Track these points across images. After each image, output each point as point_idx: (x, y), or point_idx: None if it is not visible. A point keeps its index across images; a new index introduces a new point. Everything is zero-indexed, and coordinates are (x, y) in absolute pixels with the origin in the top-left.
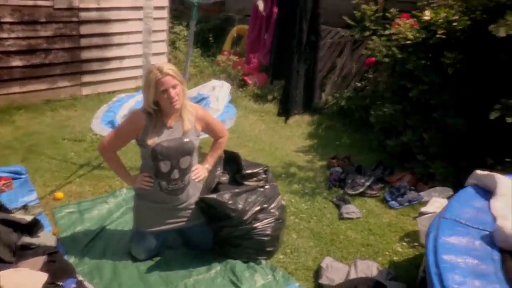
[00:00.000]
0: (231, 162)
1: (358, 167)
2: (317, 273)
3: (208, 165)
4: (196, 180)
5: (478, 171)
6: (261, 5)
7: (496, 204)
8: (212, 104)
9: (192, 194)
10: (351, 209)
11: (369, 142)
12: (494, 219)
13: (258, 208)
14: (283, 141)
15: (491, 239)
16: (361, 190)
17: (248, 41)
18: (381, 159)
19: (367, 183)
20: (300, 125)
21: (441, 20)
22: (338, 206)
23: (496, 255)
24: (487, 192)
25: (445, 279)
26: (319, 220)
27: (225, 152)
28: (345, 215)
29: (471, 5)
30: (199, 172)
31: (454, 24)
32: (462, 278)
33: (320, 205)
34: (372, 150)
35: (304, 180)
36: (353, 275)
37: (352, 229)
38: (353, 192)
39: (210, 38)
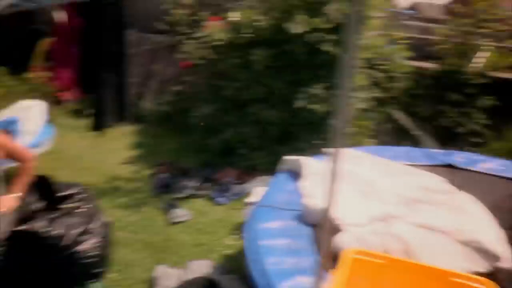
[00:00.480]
0: (44, 187)
1: (185, 170)
2: (152, 284)
3: (15, 194)
4: (1, 212)
5: (286, 157)
6: (60, 16)
7: (303, 184)
8: (25, 127)
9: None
10: (180, 213)
11: (194, 143)
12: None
13: (79, 230)
14: (107, 155)
15: (302, 218)
16: (189, 192)
17: (55, 55)
18: (208, 159)
19: (195, 184)
20: (124, 136)
21: (247, 20)
22: (167, 212)
23: (308, 231)
24: (296, 175)
25: (263, 263)
26: (149, 230)
27: (36, 176)
28: (175, 220)
29: (272, 5)
30: (4, 203)
31: (259, 23)
32: (278, 258)
33: (148, 214)
34: (198, 151)
35: (131, 192)
36: (187, 278)
37: (184, 232)
38: (182, 196)
39: (17, 54)
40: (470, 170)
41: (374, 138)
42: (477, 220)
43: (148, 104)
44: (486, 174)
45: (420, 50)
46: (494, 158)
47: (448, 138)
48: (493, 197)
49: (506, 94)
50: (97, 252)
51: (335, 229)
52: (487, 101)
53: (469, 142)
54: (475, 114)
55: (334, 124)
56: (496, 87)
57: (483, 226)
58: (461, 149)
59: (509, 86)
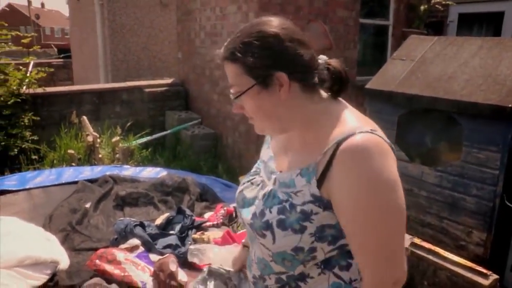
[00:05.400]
0: None
1: None
2: None
3: None
4: None
5: None
6: None
7: None
8: None
9: None
10: None
11: None
12: None
13: None
14: None
15: None
16: None
17: None
18: None
19: None
20: None
21: None
22: None
23: None
24: None
25: None
26: None
27: None
28: None
29: None
30: None
31: None
32: None
33: None
34: None
35: None
36: None
37: None
38: None
39: None
40: (22, 190)
41: None
42: (27, 237)
43: None
44: (38, 188)
45: None
46: (45, 170)
47: (2, 163)
48: (51, 206)
49: (42, 107)
50: None
51: None
52: (28, 118)
53: (30, 160)
54: (22, 133)
55: None
56: (33, 102)
57: (35, 240)
58: (20, 170)
59: (43, 100)
